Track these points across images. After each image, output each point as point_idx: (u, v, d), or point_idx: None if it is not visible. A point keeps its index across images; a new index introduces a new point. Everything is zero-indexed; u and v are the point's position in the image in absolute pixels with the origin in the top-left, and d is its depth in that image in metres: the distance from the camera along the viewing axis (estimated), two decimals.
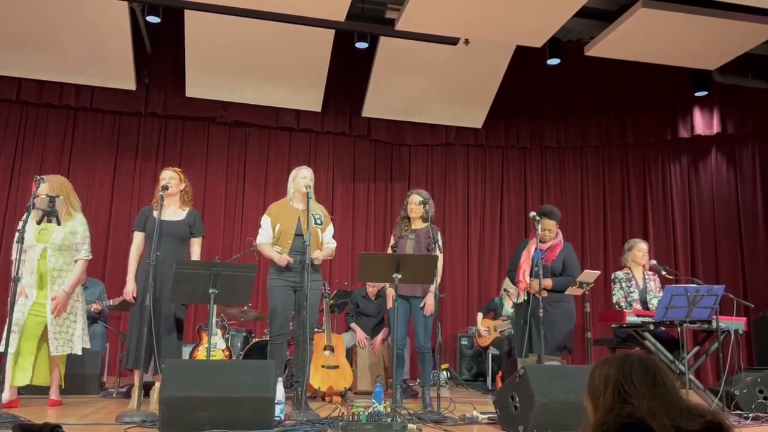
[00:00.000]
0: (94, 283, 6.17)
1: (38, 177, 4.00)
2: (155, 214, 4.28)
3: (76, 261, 4.38)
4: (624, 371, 1.56)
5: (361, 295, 6.38)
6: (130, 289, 4.22)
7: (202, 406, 3.14)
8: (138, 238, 4.36)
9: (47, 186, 4.20)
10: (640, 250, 5.28)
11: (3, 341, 4.08)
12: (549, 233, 4.81)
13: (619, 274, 5.31)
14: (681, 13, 5.70)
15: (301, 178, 4.44)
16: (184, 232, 4.35)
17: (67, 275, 4.30)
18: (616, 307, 5.16)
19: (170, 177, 4.36)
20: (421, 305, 4.60)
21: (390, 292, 4.53)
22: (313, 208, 4.39)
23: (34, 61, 6.98)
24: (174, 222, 4.33)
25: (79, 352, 4.37)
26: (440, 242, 4.65)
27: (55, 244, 4.26)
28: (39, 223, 4.02)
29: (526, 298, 4.79)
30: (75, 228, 4.37)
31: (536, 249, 4.65)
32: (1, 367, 3.76)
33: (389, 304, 4.35)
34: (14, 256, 3.99)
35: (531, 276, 4.69)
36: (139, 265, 4.31)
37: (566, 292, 5.10)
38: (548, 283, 4.70)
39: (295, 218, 4.39)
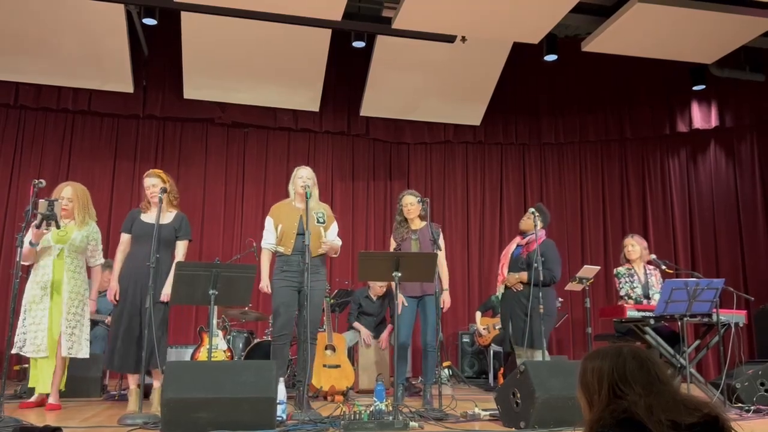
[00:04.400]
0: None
1: (36, 181, 4.00)
2: (143, 216, 4.36)
3: (90, 267, 4.53)
4: (618, 369, 1.55)
5: (363, 295, 6.38)
6: (113, 290, 4.24)
7: (203, 407, 3.15)
8: (124, 239, 4.40)
9: (71, 190, 4.40)
10: (625, 245, 5.41)
11: (16, 343, 4.18)
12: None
13: (621, 269, 5.36)
14: (677, 7, 5.70)
15: (298, 178, 4.46)
16: (169, 235, 4.37)
17: (79, 278, 4.38)
18: (626, 298, 5.20)
19: (153, 184, 4.37)
20: (441, 304, 4.55)
21: (401, 299, 4.51)
22: (315, 207, 4.41)
23: (31, 65, 6.97)
24: (160, 225, 4.32)
25: (87, 356, 4.41)
26: (440, 240, 4.65)
27: (74, 244, 4.33)
28: (38, 227, 4.02)
29: (503, 291, 5.02)
30: (91, 234, 4.48)
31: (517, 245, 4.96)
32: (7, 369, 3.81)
33: (399, 307, 4.31)
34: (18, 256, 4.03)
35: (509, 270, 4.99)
36: (122, 266, 4.33)
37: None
38: (523, 276, 4.79)
39: (297, 218, 4.39)
